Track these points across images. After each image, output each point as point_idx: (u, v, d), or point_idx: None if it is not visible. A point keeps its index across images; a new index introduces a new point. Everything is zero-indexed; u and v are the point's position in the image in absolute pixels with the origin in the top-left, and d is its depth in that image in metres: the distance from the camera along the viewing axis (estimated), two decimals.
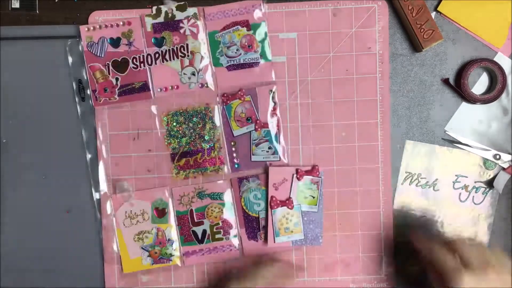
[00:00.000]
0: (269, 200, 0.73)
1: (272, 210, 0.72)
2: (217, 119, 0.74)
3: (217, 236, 0.74)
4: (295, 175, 0.72)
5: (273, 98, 0.73)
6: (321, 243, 0.73)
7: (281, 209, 0.72)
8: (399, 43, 0.74)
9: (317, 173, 0.72)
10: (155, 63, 0.73)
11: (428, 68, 0.74)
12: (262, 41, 0.73)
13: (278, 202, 0.72)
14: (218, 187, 0.74)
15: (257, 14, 0.72)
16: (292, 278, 0.73)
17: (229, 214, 0.74)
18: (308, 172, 0.73)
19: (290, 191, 0.72)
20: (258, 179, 0.74)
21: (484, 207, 0.75)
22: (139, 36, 0.73)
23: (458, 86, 0.73)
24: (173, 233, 0.74)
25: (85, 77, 0.73)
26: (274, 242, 0.73)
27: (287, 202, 0.72)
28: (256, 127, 0.73)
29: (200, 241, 0.74)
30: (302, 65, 0.74)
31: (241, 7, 0.72)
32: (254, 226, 0.74)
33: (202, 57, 0.73)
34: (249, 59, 0.73)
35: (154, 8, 0.73)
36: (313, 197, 0.73)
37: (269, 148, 0.73)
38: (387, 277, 0.75)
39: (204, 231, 0.74)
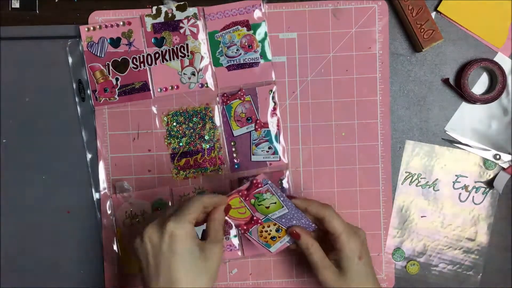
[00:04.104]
0: (238, 231, 0.70)
1: (248, 233, 0.67)
2: (217, 119, 0.74)
3: None
4: (242, 199, 0.64)
5: (273, 98, 0.73)
6: (315, 227, 0.67)
7: (254, 228, 0.67)
8: (399, 43, 0.74)
9: (260, 185, 0.63)
10: (155, 63, 0.73)
11: (428, 68, 0.74)
12: (262, 41, 0.73)
13: (245, 227, 0.67)
14: (218, 187, 0.74)
15: (257, 14, 0.72)
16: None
17: None
18: (252, 190, 0.63)
19: (251, 212, 0.66)
20: None
21: (484, 207, 0.75)
22: (139, 36, 0.73)
23: (458, 86, 0.73)
24: None
25: (85, 77, 0.73)
26: (272, 252, 0.69)
27: (253, 223, 0.66)
28: (256, 127, 0.73)
29: None
30: (302, 65, 0.74)
31: (241, 7, 0.72)
32: None
33: (202, 57, 0.73)
34: (249, 59, 0.73)
35: (154, 8, 0.73)
36: (275, 203, 0.64)
37: (269, 148, 0.73)
38: (387, 277, 0.75)
39: (204, 231, 0.74)
